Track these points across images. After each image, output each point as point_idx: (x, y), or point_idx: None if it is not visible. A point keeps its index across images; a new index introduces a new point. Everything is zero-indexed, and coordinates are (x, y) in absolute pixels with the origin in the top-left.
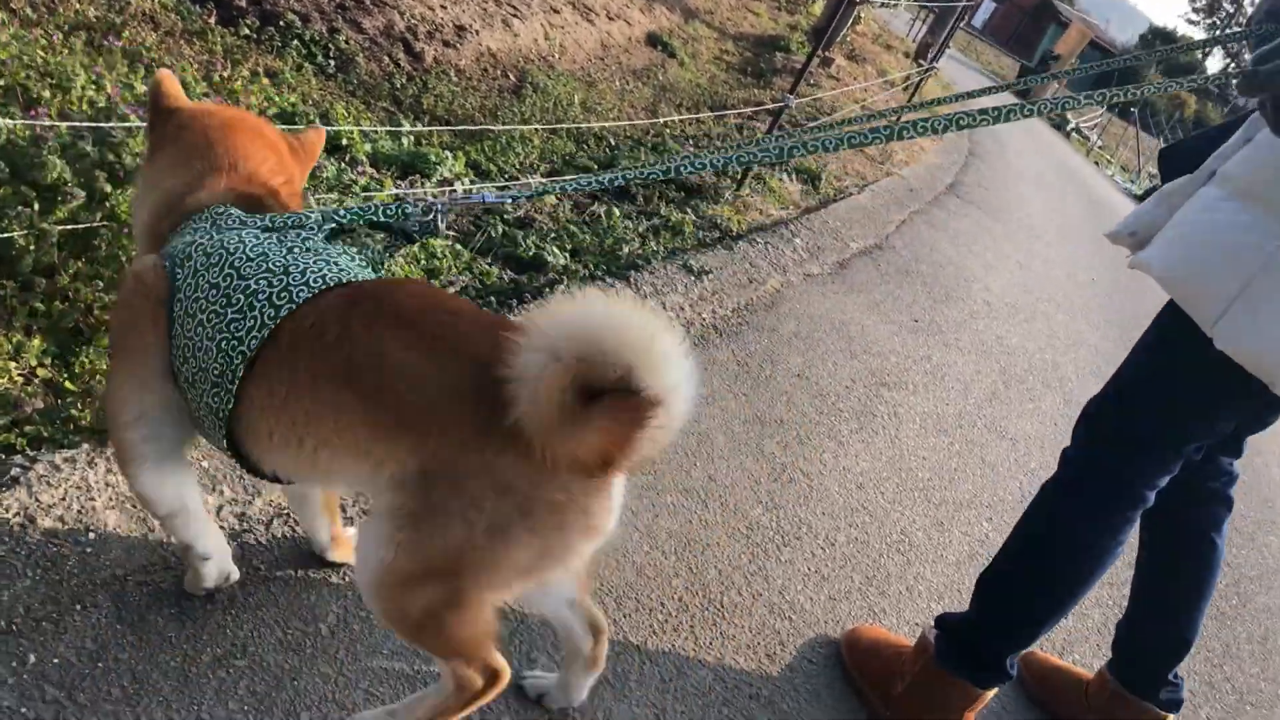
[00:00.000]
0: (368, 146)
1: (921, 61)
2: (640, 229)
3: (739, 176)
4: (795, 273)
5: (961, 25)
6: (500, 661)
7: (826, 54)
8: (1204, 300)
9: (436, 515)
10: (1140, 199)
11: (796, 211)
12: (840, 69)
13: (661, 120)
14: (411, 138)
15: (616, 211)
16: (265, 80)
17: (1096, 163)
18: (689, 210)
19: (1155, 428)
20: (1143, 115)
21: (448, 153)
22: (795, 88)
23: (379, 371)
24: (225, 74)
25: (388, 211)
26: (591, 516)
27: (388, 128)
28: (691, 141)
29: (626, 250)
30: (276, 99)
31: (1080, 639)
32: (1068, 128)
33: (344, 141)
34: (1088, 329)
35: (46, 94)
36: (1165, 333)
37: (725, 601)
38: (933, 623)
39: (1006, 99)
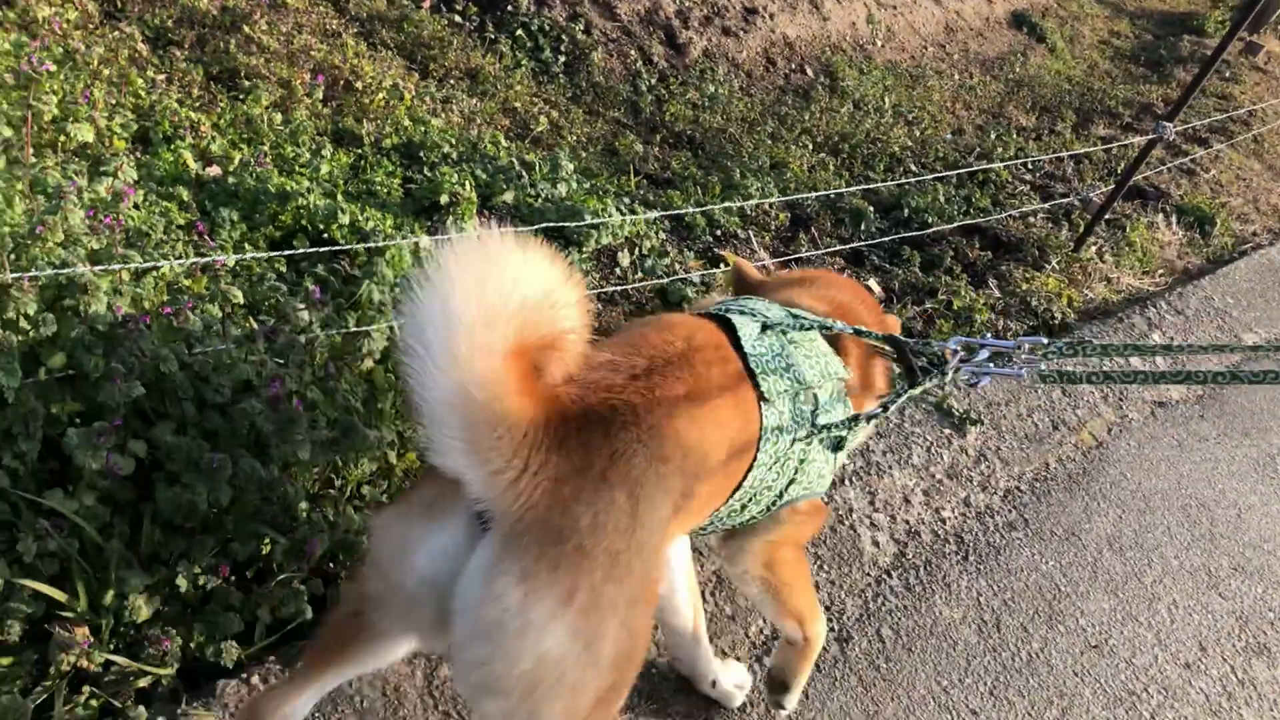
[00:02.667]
0: (509, 195)
1: None
2: (901, 317)
3: (1081, 227)
4: (1136, 401)
5: None
6: None
7: (1252, 38)
8: None
9: None
10: None
11: (1167, 278)
12: (1271, 57)
13: (993, 136)
14: (574, 179)
15: (875, 286)
16: (431, 94)
17: None
18: (993, 283)
19: None
20: None
21: (621, 205)
22: (1180, 109)
23: None
24: (360, 86)
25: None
26: None
27: (550, 164)
28: (1031, 169)
29: None
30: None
31: None
32: None
33: (445, 198)
34: None
35: None
36: None
37: None
38: None
39: None
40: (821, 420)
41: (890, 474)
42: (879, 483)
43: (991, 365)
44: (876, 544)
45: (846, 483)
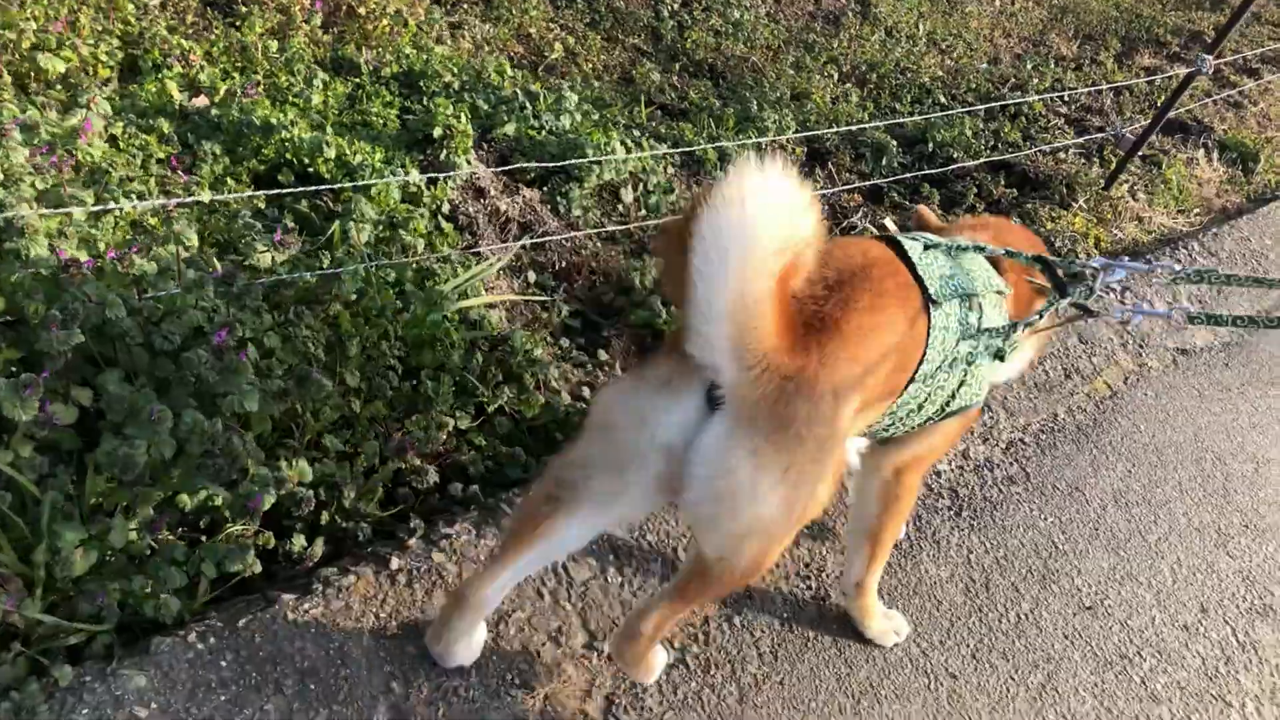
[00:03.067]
0: (510, 127)
1: None
2: None
3: (1113, 163)
4: (1158, 348)
5: None
6: None
7: None
8: None
9: None
10: None
11: (1203, 218)
12: None
13: (1030, 66)
14: (579, 111)
15: (890, 225)
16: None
17: None
18: (1016, 221)
19: None
20: None
21: (629, 139)
22: (1221, 40)
23: None
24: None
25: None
26: None
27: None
28: (1067, 101)
29: None
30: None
31: None
32: None
33: (438, 131)
34: None
35: None
36: None
37: None
38: None
39: None
40: (985, 327)
41: None
42: None
43: (1145, 306)
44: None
45: None
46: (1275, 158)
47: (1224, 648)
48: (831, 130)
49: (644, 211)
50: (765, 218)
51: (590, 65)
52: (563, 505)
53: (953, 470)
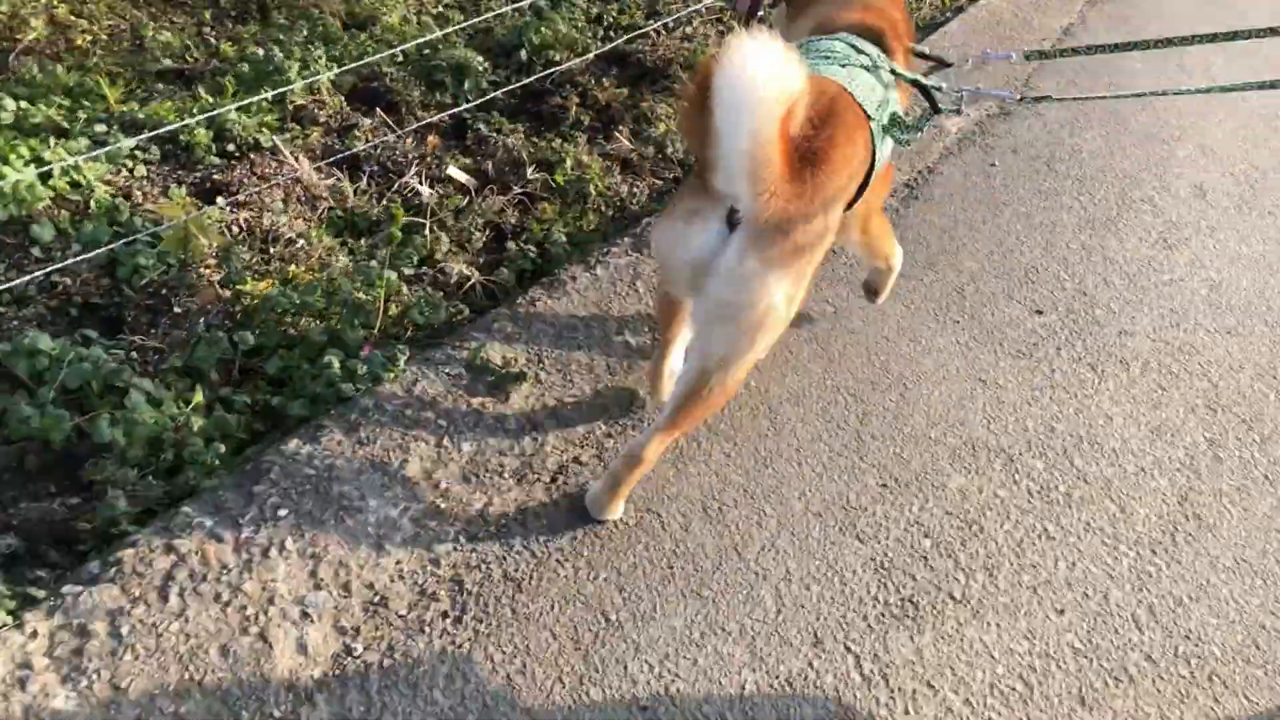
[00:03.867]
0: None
1: None
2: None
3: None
4: None
5: None
6: None
7: None
8: None
9: None
10: None
11: None
12: None
13: None
14: None
15: (458, 174)
16: None
17: None
18: (624, 131)
19: None
20: None
21: (88, 137)
22: None
23: None
24: None
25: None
26: None
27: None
28: None
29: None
30: None
31: None
32: None
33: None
34: None
35: None
36: None
37: None
38: None
39: None
40: (890, 110)
41: (334, 525)
42: (317, 543)
43: (980, 88)
44: (304, 648)
45: (279, 551)
46: None
47: (840, 693)
48: (385, 55)
49: (78, 246)
50: (766, 77)
51: (90, 36)
52: (674, 299)
53: (461, 553)
